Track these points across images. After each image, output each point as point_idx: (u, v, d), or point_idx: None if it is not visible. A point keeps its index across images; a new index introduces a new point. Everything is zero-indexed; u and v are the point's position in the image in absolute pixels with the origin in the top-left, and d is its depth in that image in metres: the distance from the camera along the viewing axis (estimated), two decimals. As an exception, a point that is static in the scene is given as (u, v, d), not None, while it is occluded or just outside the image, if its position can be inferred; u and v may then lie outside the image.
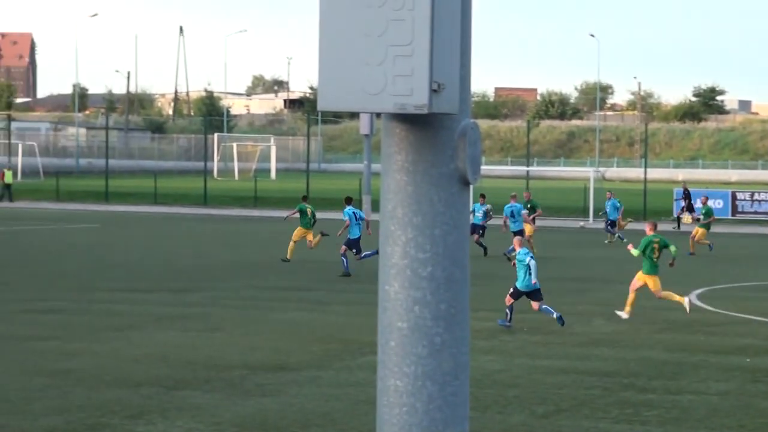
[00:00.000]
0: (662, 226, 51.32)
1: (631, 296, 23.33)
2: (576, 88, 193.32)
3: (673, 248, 24.05)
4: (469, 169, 4.44)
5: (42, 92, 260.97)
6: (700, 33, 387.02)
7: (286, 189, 74.06)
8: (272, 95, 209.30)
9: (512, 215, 37.32)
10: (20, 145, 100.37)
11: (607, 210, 44.85)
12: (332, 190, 63.34)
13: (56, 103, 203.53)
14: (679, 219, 51.53)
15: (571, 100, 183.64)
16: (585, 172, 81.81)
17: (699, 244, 39.98)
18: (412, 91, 4.20)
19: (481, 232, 37.16)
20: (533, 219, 39.95)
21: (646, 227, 24.84)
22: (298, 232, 34.89)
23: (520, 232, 36.80)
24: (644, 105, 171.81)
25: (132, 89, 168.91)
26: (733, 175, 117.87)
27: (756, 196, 58.72)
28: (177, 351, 18.62)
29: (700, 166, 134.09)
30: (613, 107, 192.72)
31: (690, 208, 50.52)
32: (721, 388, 16.32)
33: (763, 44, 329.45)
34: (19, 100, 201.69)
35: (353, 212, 31.90)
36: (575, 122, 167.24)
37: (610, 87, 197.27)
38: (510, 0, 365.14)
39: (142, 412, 14.17)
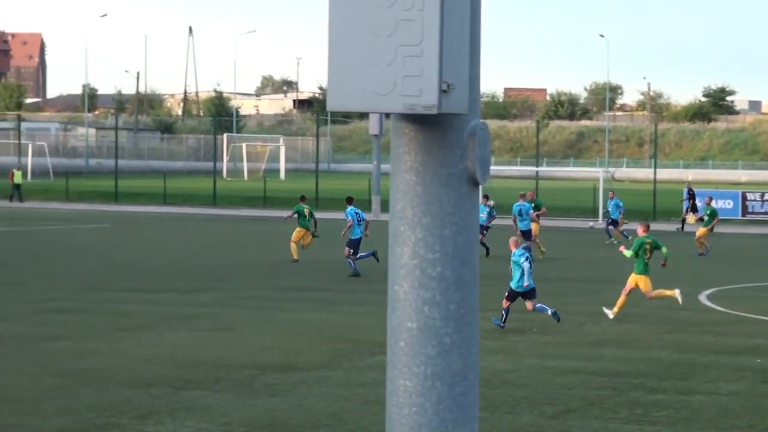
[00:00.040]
0: (671, 227, 51.39)
1: (622, 298, 23.33)
2: (585, 89, 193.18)
3: (664, 249, 24.07)
4: (478, 169, 4.44)
5: (52, 92, 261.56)
6: (710, 33, 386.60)
7: (296, 189, 73.90)
8: (281, 95, 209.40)
9: (520, 214, 37.32)
10: (30, 146, 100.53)
11: (609, 209, 44.74)
12: (341, 191, 63.25)
13: (66, 103, 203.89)
14: (683, 221, 51.43)
15: (581, 101, 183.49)
16: (594, 172, 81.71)
17: (696, 242, 39.81)
18: (422, 91, 4.20)
19: (484, 232, 37.16)
20: (537, 217, 39.94)
21: (639, 228, 24.77)
22: (296, 233, 34.93)
23: (528, 232, 36.83)
24: (654, 105, 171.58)
25: (141, 89, 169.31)
26: (743, 175, 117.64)
27: (766, 197, 58.60)
28: (186, 351, 18.64)
29: (710, 166, 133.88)
30: (622, 107, 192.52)
31: (694, 209, 50.40)
32: (731, 389, 16.29)
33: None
34: (29, 101, 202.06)
35: (355, 212, 31.88)
36: (584, 122, 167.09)
37: (620, 87, 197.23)
38: (519, 0, 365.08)
39: (152, 412, 14.18)
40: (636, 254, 23.61)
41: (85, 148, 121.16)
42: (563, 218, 58.10)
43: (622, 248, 24.57)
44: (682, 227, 50.83)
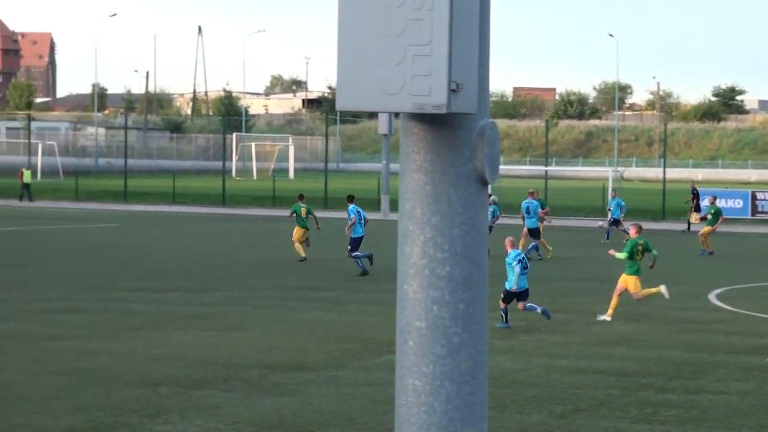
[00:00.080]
0: (680, 226, 51.31)
1: (614, 300, 23.27)
2: (595, 88, 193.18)
3: (655, 252, 24.04)
4: (487, 168, 4.44)
5: (61, 92, 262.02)
6: (720, 33, 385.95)
7: (305, 189, 73.92)
8: (291, 95, 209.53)
9: (527, 211, 37.35)
10: (40, 145, 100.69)
11: (611, 208, 44.64)
12: (350, 190, 63.21)
13: (75, 102, 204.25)
14: (689, 222, 51.33)
15: (590, 100, 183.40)
16: (603, 171, 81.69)
17: (702, 240, 39.74)
18: (431, 90, 4.20)
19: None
20: (544, 215, 39.98)
21: (631, 229, 24.67)
22: (296, 232, 34.99)
23: (536, 230, 36.87)
24: (663, 105, 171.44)
25: (151, 89, 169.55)
26: (753, 174, 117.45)
27: (776, 196, 58.51)
28: (195, 350, 18.65)
29: (720, 166, 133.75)
30: (631, 107, 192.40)
31: (697, 208, 50.27)
32: (740, 388, 16.27)
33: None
34: (38, 100, 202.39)
35: (357, 210, 31.92)
36: (594, 122, 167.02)
37: (629, 87, 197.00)
38: (528, 0, 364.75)
39: (161, 411, 14.20)
40: (630, 256, 23.54)
41: (95, 147, 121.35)
42: (572, 217, 58.06)
43: (612, 252, 24.45)
44: (688, 227, 50.75)
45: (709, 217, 40.64)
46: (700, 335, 21.26)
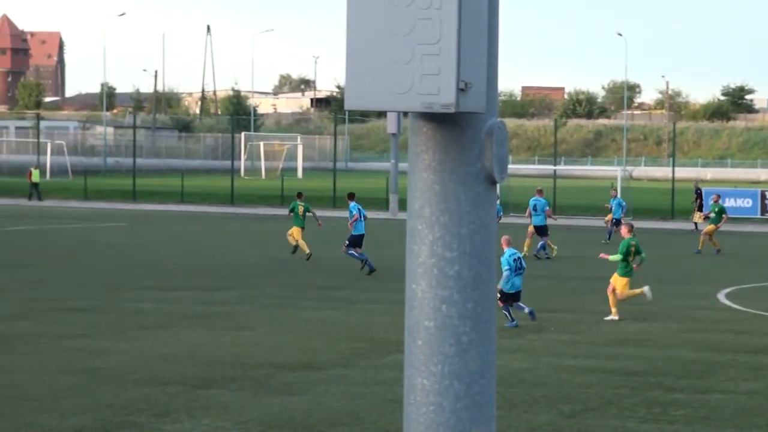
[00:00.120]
0: (688, 226, 51.22)
1: (611, 298, 23.25)
2: (603, 87, 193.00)
3: (643, 254, 24.05)
4: (495, 168, 4.44)
5: (70, 91, 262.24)
6: (728, 31, 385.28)
7: (313, 188, 74.17)
8: (299, 94, 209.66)
9: (535, 209, 37.43)
10: (49, 144, 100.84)
11: (612, 208, 44.52)
12: (359, 189, 63.27)
13: (84, 102, 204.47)
14: (696, 224, 51.22)
15: (599, 99, 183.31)
16: (612, 171, 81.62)
17: (708, 241, 39.64)
18: (440, 89, 4.20)
19: None
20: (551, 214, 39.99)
21: (623, 228, 24.57)
22: (295, 230, 35.19)
23: (543, 228, 36.93)
24: (672, 104, 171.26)
25: (159, 88, 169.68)
26: (762, 174, 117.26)
27: (785, 195, 58.38)
28: (204, 349, 18.67)
29: (729, 165, 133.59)
30: (640, 106, 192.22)
31: (700, 208, 50.16)
32: (749, 387, 16.25)
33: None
34: (47, 99, 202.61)
35: (359, 208, 32.11)
36: (602, 121, 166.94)
37: (638, 86, 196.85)
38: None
39: (169, 410, 14.21)
40: (625, 257, 23.48)
41: (104, 146, 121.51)
42: (581, 217, 58.02)
43: (604, 255, 24.37)
44: (696, 227, 50.69)
45: (712, 215, 40.53)
46: (709, 335, 21.23)
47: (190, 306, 24.08)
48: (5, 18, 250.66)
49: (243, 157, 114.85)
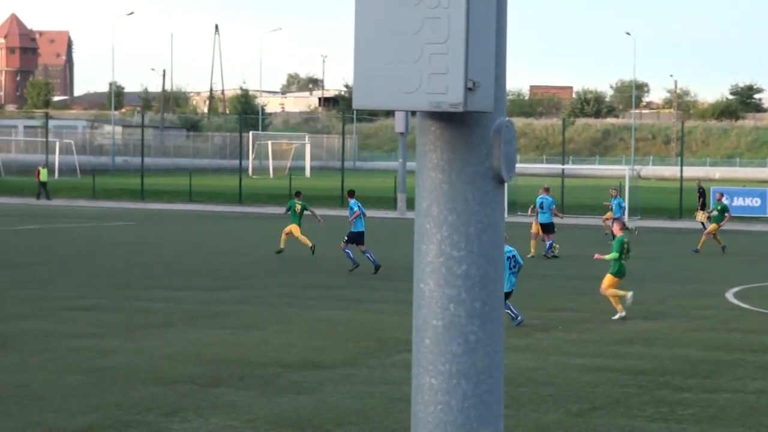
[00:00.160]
0: (696, 225, 51.14)
1: (609, 296, 23.21)
2: (611, 86, 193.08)
3: (631, 253, 24.00)
4: (503, 167, 4.44)
5: (79, 90, 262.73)
6: (737, 31, 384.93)
7: (321, 187, 74.22)
8: (307, 93, 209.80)
9: (541, 207, 37.52)
10: (57, 143, 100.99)
11: (611, 207, 44.45)
12: (367, 188, 63.29)
13: (93, 101, 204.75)
14: (703, 224, 51.13)
15: (607, 98, 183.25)
16: (620, 170, 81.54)
17: (713, 239, 39.56)
18: (448, 89, 4.20)
19: None
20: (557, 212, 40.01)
21: (615, 226, 24.45)
22: (294, 231, 35.54)
23: (548, 225, 36.95)
24: (680, 103, 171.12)
25: (168, 87, 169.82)
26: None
27: (793, 195, 58.28)
28: (211, 348, 18.68)
29: (737, 164, 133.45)
30: (648, 105, 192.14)
31: (702, 207, 50.06)
32: (758, 387, 16.22)
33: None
34: (56, 98, 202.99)
35: (359, 205, 32.20)
36: (611, 120, 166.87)
37: (646, 85, 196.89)
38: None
39: (177, 409, 14.22)
40: (620, 254, 23.44)
41: (112, 145, 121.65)
42: (588, 216, 57.96)
43: (599, 255, 24.31)
44: (704, 226, 50.62)
45: (715, 213, 40.44)
46: (717, 334, 21.20)
47: (197, 305, 24.10)
48: (14, 17, 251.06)
49: (251, 156, 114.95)
